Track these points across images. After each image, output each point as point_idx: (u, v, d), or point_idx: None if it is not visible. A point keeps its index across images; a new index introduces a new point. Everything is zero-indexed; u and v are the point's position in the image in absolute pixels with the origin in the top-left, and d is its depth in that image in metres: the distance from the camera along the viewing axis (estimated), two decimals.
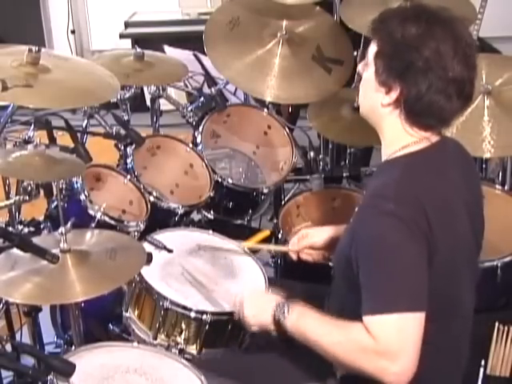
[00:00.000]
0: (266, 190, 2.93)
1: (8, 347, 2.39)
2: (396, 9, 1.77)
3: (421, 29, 1.70)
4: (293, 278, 2.51)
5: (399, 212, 1.65)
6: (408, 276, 1.66)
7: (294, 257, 2.29)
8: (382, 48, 1.75)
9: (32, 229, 2.51)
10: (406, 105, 1.73)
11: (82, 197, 2.44)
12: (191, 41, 3.30)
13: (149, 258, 2.01)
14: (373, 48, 1.77)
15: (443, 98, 1.70)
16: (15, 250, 1.86)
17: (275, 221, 2.77)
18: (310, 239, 2.23)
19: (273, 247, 2.59)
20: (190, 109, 3.11)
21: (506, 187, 2.95)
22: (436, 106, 1.71)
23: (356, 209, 1.84)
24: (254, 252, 2.43)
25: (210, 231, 2.45)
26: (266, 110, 3.15)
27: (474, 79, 1.74)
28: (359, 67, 1.85)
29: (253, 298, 1.94)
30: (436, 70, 1.68)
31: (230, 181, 2.86)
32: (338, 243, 1.91)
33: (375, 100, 1.78)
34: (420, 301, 1.65)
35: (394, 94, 1.73)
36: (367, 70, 1.80)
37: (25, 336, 2.58)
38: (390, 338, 1.63)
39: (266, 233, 2.50)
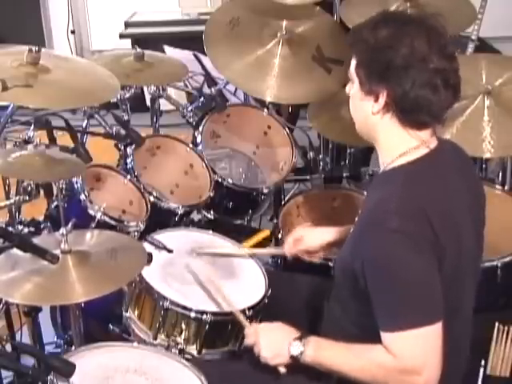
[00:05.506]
0: (266, 190, 2.93)
1: (8, 347, 2.39)
2: (365, 20, 1.78)
3: (391, 29, 1.71)
4: None
5: (404, 227, 1.64)
6: (421, 290, 1.66)
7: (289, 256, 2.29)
8: (360, 58, 1.77)
9: (32, 229, 2.50)
10: (395, 105, 1.72)
11: (82, 197, 2.43)
12: (191, 41, 3.30)
13: (149, 258, 2.01)
14: (353, 62, 1.79)
15: (429, 90, 1.69)
16: (15, 250, 1.86)
17: (275, 221, 2.77)
18: (304, 244, 2.23)
19: (272, 251, 2.57)
20: (189, 109, 3.11)
21: (506, 187, 2.95)
22: (424, 100, 1.70)
23: (356, 218, 1.83)
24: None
25: (210, 231, 2.45)
26: (266, 109, 3.15)
27: (458, 69, 1.73)
28: (347, 88, 1.85)
29: (268, 337, 1.88)
30: (415, 64, 1.68)
31: (230, 181, 2.85)
32: (341, 251, 1.89)
33: (366, 110, 1.78)
34: (436, 311, 1.66)
35: (382, 99, 1.73)
36: (352, 86, 1.81)
37: (25, 336, 2.57)
38: (410, 354, 1.65)
39: (265, 233, 2.50)
